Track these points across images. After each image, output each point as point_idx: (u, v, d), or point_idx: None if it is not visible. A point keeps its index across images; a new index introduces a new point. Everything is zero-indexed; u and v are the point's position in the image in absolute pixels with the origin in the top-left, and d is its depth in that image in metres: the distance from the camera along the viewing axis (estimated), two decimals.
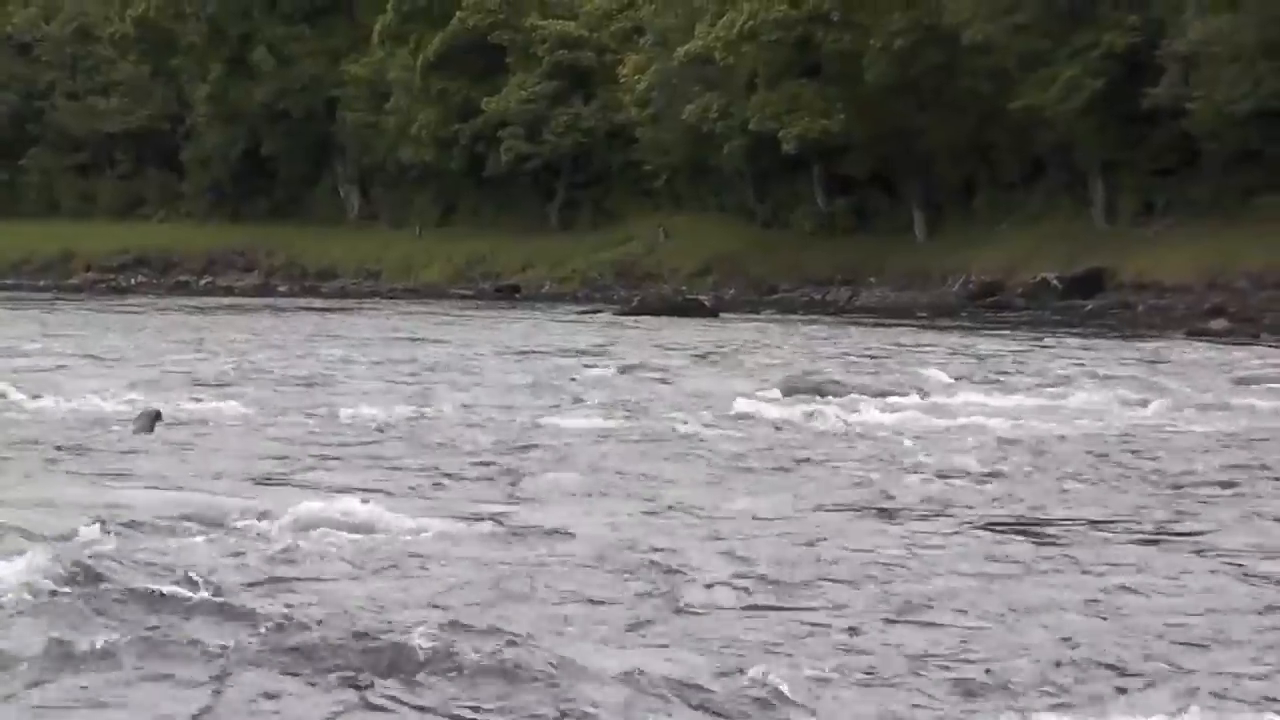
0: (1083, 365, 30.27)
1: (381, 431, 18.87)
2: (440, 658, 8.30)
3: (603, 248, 79.22)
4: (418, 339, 38.72)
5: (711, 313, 54.31)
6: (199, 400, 21.75)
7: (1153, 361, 31.59)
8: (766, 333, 42.90)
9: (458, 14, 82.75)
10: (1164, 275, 57.20)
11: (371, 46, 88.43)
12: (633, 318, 52.50)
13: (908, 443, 18.15)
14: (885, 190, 72.21)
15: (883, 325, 47.01)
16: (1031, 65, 62.08)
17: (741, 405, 21.47)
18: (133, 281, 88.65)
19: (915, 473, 15.73)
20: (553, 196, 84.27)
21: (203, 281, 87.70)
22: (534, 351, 33.86)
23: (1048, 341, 38.34)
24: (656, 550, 11.39)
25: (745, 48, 69.01)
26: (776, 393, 23.09)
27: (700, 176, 78.24)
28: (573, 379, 26.46)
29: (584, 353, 33.45)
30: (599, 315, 54.66)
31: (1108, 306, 56.10)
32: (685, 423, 19.86)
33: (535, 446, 17.55)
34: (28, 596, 9.11)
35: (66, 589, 9.29)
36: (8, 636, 8.49)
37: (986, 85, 64.53)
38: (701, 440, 18.39)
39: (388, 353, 32.63)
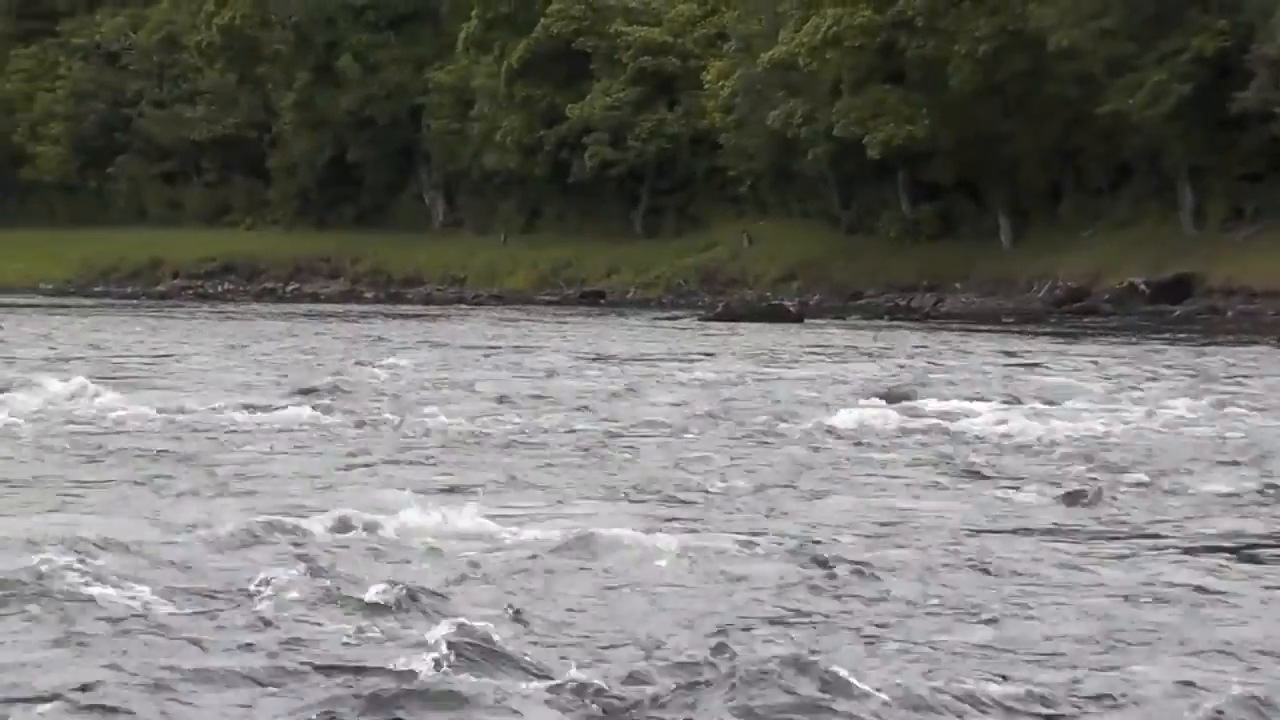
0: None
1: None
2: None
3: (687, 253, 79.15)
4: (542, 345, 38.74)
5: (796, 318, 54.26)
6: None
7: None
8: (858, 338, 42.78)
9: (542, 21, 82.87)
10: (1253, 280, 56.77)
11: (456, 54, 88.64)
12: (717, 323, 52.49)
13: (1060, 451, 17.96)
14: (970, 196, 71.87)
15: (973, 331, 46.78)
16: (1118, 70, 61.70)
17: (865, 414, 21.29)
18: (220, 288, 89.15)
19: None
20: (637, 202, 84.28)
21: (289, 288, 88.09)
22: (649, 357, 33.87)
23: (1147, 346, 38.07)
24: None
25: (829, 53, 68.84)
26: (887, 400, 22.98)
27: (784, 182, 78.04)
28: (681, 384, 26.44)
29: (688, 358, 33.42)
30: (684, 321, 54.72)
31: (1196, 312, 55.72)
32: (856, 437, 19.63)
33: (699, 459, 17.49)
34: None
35: None
36: None
37: (1073, 90, 64.21)
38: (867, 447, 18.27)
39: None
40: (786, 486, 15.20)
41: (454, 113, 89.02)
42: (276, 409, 21.52)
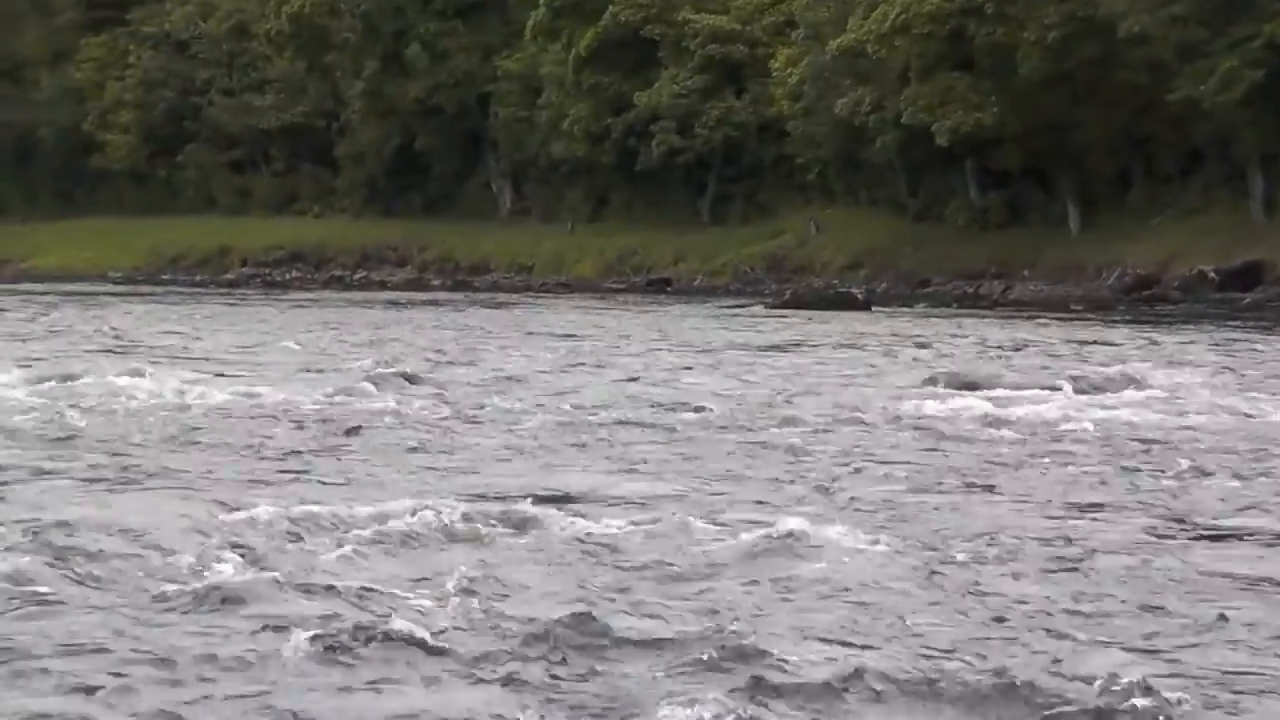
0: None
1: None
2: None
3: (754, 241, 79.17)
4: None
5: (864, 306, 54.11)
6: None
7: None
8: (938, 326, 42.73)
9: (610, 9, 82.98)
10: None
11: (524, 42, 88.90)
12: (785, 311, 52.43)
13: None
14: (1039, 183, 71.70)
15: (1043, 318, 46.67)
16: (1189, 56, 61.42)
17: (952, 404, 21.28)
18: (287, 276, 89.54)
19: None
20: (704, 190, 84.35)
21: (357, 276, 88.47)
22: (730, 347, 33.92)
23: (1222, 334, 37.93)
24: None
25: (898, 41, 68.76)
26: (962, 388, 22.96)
27: (852, 170, 78.04)
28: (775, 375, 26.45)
29: (774, 348, 33.43)
30: (752, 309, 54.69)
31: (1267, 300, 55.41)
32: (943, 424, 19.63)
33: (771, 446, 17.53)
34: None
35: None
36: None
37: (1143, 77, 63.98)
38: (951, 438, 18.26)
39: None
40: (968, 485, 15.08)
41: (521, 101, 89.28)
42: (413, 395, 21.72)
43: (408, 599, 9.50)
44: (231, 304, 56.68)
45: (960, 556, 11.10)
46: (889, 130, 71.43)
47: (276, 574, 9.90)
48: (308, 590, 9.59)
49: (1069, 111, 67.15)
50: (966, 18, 67.04)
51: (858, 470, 15.56)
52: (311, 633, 8.54)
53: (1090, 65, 65.36)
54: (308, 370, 26.05)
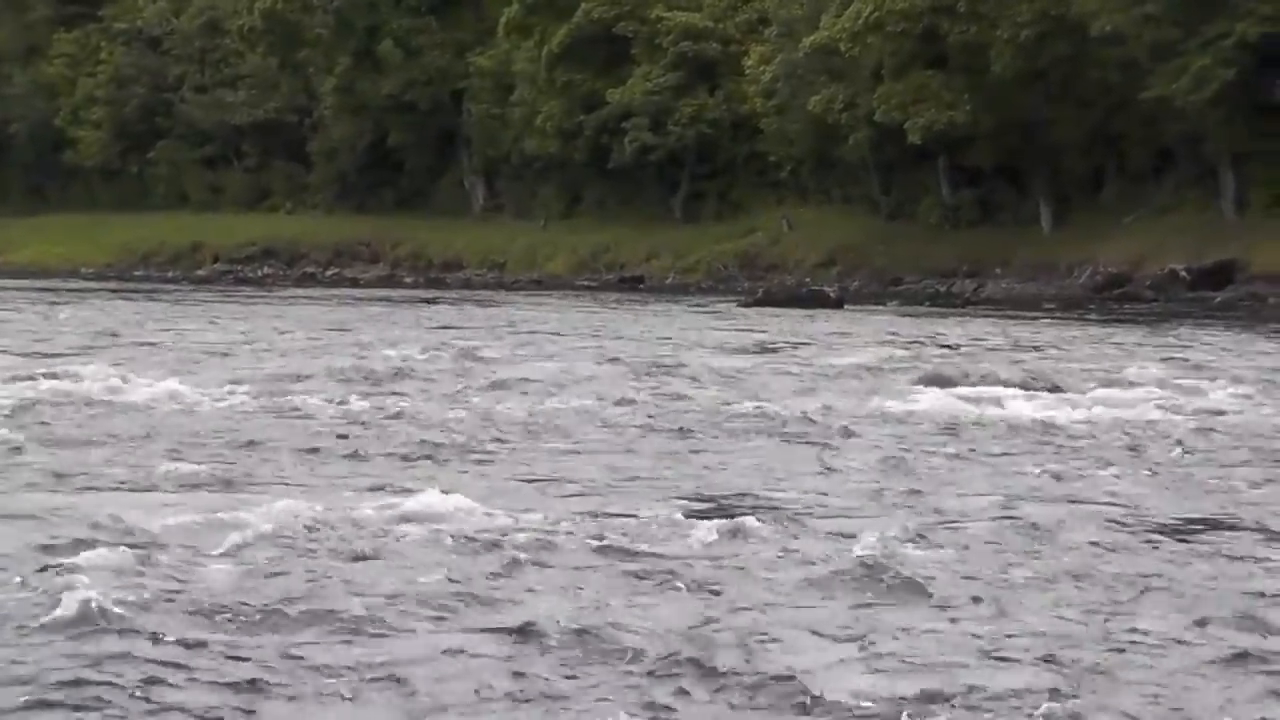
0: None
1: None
2: None
3: (726, 239, 79.05)
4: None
5: (836, 304, 54.12)
6: None
7: None
8: (920, 325, 42.63)
9: (582, 6, 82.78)
10: None
11: (497, 39, 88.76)
12: (757, 309, 52.34)
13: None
14: (1011, 182, 71.67)
15: (1015, 318, 46.61)
16: (1161, 55, 61.38)
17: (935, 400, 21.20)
18: (260, 273, 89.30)
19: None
20: (677, 188, 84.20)
21: (329, 272, 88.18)
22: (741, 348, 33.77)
23: (1192, 333, 37.89)
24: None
25: (870, 38, 68.66)
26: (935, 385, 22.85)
27: (824, 168, 77.94)
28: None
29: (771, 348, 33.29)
30: (724, 306, 54.60)
31: (1238, 299, 55.44)
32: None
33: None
34: None
35: None
36: None
37: (1115, 76, 63.98)
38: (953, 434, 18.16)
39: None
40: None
41: (494, 98, 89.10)
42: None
43: None
44: (205, 301, 56.39)
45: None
46: (862, 128, 71.34)
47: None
48: None
49: (1041, 110, 67.13)
50: (939, 16, 66.95)
51: (833, 468, 15.46)
52: None
53: (1063, 64, 65.35)
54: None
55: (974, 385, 22.67)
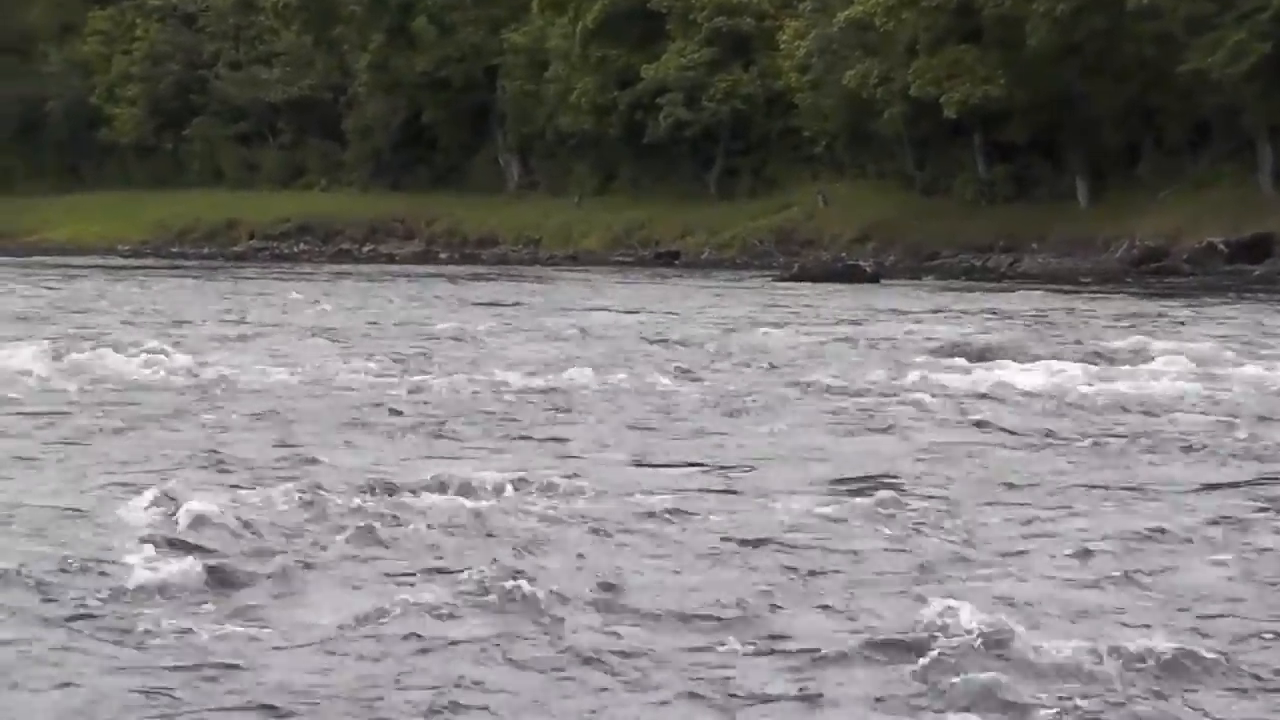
0: None
1: None
2: None
3: (761, 214, 79.03)
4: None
5: (872, 279, 54.09)
6: None
7: None
8: (969, 300, 42.66)
9: None
10: None
11: (531, 15, 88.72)
12: (793, 284, 52.39)
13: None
14: (1047, 156, 71.45)
15: (1050, 291, 46.58)
16: (1198, 29, 61.20)
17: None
18: (295, 249, 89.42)
19: None
20: (711, 164, 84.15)
21: (365, 249, 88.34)
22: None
23: (1234, 307, 37.81)
24: None
25: (905, 13, 68.57)
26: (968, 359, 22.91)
27: (859, 143, 77.81)
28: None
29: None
30: (759, 281, 54.63)
31: (1276, 272, 55.30)
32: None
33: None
34: None
35: None
36: None
37: (1152, 49, 63.76)
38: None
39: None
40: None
41: (529, 74, 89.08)
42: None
43: None
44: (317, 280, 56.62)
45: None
46: (897, 103, 71.23)
47: None
48: None
49: (1077, 84, 66.96)
50: None
51: (877, 446, 15.54)
52: None
53: (1099, 37, 65.12)
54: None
55: (998, 359, 22.75)
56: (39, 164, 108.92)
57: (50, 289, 44.88)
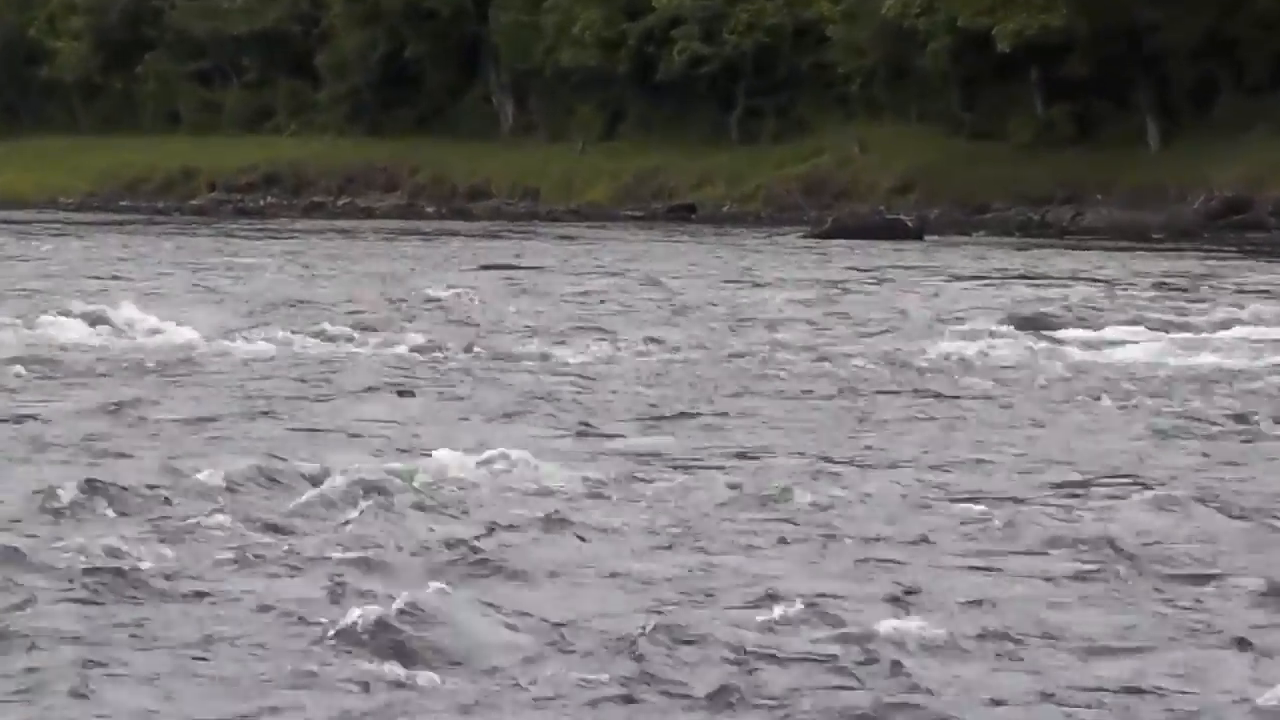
0: None
1: None
2: None
3: (788, 162, 78.98)
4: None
5: (915, 234, 54.28)
6: None
7: None
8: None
9: None
10: None
11: None
12: (825, 241, 52.44)
13: None
14: (1113, 95, 71.35)
15: (1117, 248, 46.58)
16: None
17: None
18: (262, 202, 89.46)
19: None
20: (732, 105, 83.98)
21: (340, 202, 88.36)
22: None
23: None
24: None
25: None
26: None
27: (900, 80, 77.71)
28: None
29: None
30: (787, 238, 54.67)
31: None
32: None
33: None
34: None
35: None
36: None
37: None
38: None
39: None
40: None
41: (525, 4, 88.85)
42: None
43: None
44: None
45: None
46: (942, 35, 71.22)
47: None
48: None
49: (1146, 12, 66.85)
50: None
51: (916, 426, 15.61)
52: None
53: None
54: None
55: (1061, 328, 22.80)
56: None
57: None
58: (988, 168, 71.47)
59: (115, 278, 34.03)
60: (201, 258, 42.49)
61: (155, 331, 22.40)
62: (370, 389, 17.91)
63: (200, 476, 12.17)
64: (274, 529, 10.76)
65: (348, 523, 10.90)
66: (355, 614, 8.51)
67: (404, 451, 13.71)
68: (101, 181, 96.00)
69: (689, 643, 8.36)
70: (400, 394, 17.51)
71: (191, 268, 38.07)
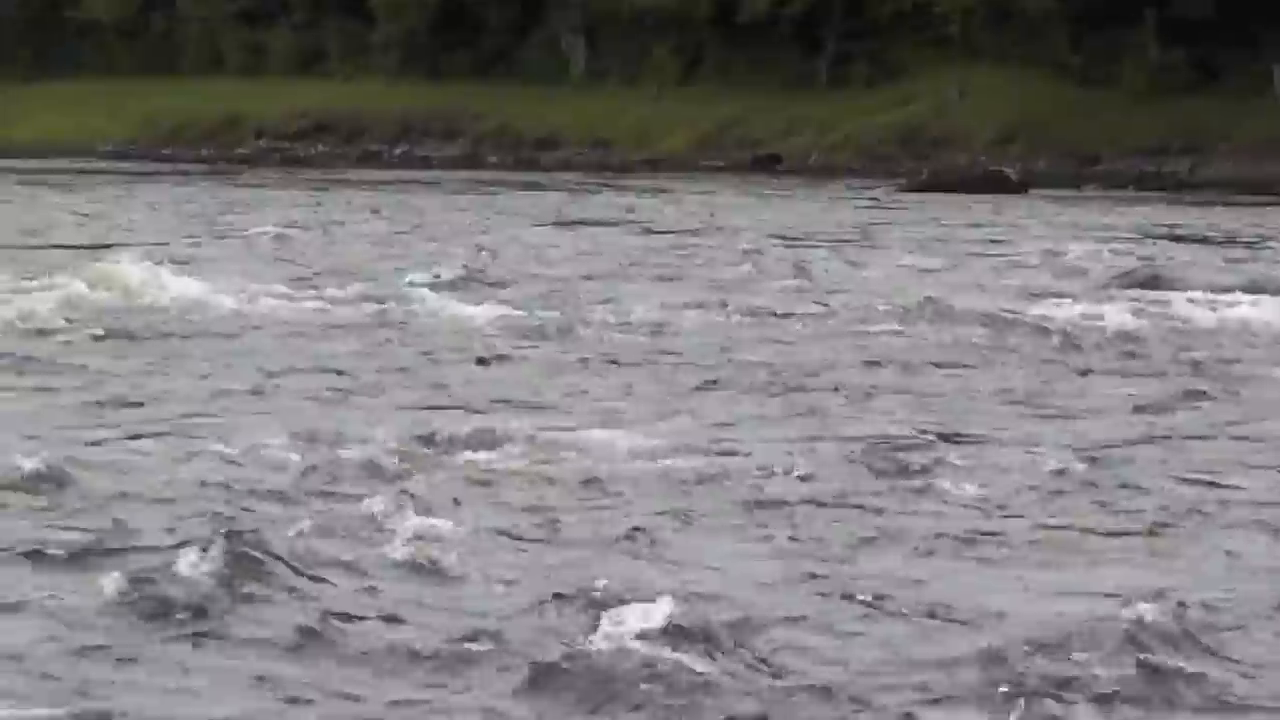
0: None
1: None
2: None
3: (881, 110, 79.00)
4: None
5: (1019, 188, 54.56)
6: None
7: None
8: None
9: None
10: None
11: None
12: (921, 194, 52.48)
13: None
14: (1236, 38, 70.99)
15: (1240, 204, 46.23)
16: None
17: None
18: (312, 151, 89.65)
19: None
20: (820, 48, 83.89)
21: (397, 151, 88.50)
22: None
23: None
24: None
25: None
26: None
27: (1003, 21, 77.73)
28: None
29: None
30: (880, 192, 54.73)
31: None
32: None
33: None
34: None
35: None
36: None
37: None
38: None
39: None
40: None
41: None
42: None
43: None
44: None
45: None
46: None
47: None
48: None
49: None
50: None
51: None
52: None
53: None
54: None
55: (1183, 289, 22.72)
56: None
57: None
58: (1098, 117, 71.62)
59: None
60: (266, 211, 42.62)
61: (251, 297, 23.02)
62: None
63: None
64: None
65: None
66: None
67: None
68: (141, 128, 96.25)
69: None
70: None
71: (267, 223, 38.19)
